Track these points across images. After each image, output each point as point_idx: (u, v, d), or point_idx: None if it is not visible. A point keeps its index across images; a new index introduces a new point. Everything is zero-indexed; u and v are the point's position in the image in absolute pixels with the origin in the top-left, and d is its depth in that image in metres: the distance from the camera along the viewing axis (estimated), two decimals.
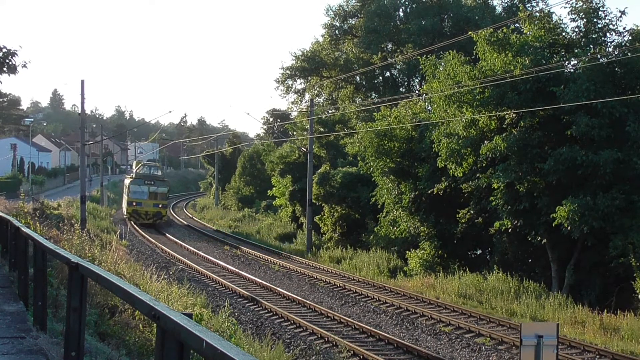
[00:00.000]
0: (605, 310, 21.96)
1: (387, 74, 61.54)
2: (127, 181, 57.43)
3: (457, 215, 29.85)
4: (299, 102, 66.56)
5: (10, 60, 14.33)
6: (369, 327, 20.02)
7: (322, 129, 49.48)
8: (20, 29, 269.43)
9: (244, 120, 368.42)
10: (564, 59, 26.00)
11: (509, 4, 53.77)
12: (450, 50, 28.38)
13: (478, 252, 32.88)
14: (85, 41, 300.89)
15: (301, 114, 56.70)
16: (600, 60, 24.52)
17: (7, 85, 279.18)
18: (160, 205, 53.11)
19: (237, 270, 31.59)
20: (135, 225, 51.30)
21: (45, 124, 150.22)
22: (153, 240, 42.75)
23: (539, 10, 31.87)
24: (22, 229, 11.21)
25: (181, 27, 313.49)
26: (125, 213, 55.55)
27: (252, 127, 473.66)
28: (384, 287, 27.56)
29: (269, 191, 56.88)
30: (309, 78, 65.26)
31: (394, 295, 25.96)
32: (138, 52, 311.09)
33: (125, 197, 56.91)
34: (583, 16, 25.62)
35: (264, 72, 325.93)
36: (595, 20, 25.60)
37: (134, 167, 63.02)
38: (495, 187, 26.10)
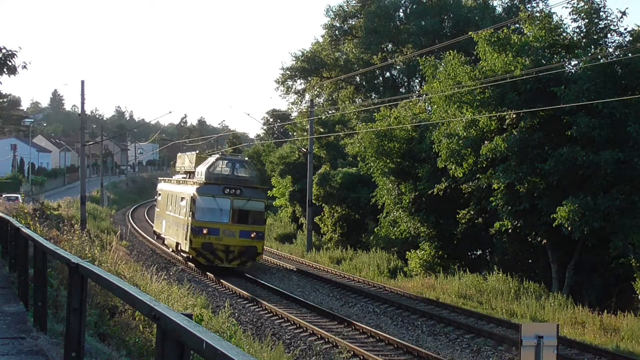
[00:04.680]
0: (606, 311, 21.95)
1: (387, 74, 61.60)
2: (184, 190, 32.59)
3: (457, 216, 29.83)
4: (299, 103, 66.69)
5: (10, 61, 14.33)
6: (369, 328, 20.00)
7: (322, 130, 49.46)
8: (20, 29, 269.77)
9: (244, 120, 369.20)
10: (565, 59, 25.99)
11: (509, 4, 53.87)
12: (450, 51, 28.37)
13: (478, 253, 32.87)
14: (85, 41, 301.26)
15: (301, 114, 56.63)
16: (601, 60, 24.50)
17: (7, 86, 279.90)
18: (253, 235, 29.94)
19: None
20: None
21: (45, 124, 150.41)
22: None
23: (540, 11, 31.86)
24: (22, 229, 11.20)
25: (181, 27, 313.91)
26: (186, 248, 30.28)
27: (252, 127, 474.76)
28: (384, 288, 27.56)
29: (269, 192, 56.87)
30: (309, 78, 65.33)
31: (394, 295, 25.95)
32: (138, 53, 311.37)
33: (179, 219, 32.23)
34: (584, 17, 25.60)
35: (264, 73, 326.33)
36: (596, 20, 25.58)
37: (186, 162, 37.48)
38: (496, 188, 26.09)
